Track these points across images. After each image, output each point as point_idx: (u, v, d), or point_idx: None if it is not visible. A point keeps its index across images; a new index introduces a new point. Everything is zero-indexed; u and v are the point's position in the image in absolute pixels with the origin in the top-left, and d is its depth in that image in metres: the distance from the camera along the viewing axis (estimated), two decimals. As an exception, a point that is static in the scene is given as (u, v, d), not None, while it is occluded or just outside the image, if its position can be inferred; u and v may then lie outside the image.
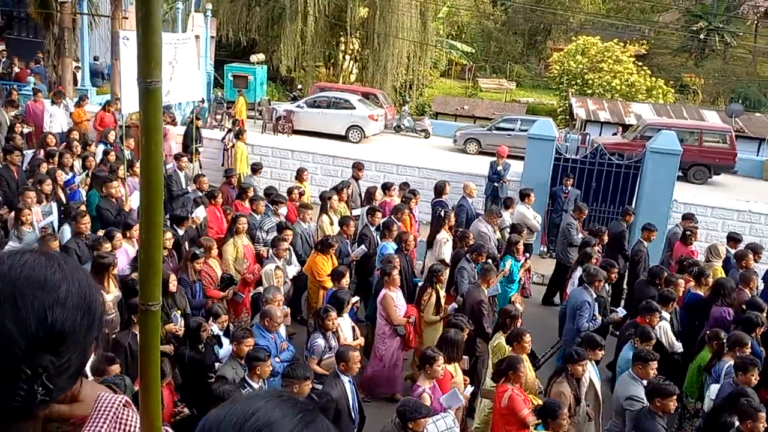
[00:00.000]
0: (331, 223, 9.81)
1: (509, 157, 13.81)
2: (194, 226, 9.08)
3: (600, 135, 23.88)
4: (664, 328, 7.18)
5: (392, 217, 9.65)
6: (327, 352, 6.51)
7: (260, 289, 7.69)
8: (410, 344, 7.72)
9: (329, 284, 8.00)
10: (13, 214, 8.16)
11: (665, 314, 7.31)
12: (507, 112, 28.43)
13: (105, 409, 1.28)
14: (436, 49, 34.64)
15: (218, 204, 9.71)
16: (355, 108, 20.89)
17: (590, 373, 6.15)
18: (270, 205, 9.87)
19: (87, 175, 10.43)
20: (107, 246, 7.27)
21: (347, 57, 31.77)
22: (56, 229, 8.83)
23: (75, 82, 19.48)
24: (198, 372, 6.12)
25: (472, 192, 11.43)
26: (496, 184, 13.16)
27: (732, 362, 6.24)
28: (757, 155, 23.49)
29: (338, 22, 29.31)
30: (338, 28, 29.84)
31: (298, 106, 21.24)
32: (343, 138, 20.07)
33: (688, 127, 20.11)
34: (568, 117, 29.59)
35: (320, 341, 6.48)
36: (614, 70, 31.06)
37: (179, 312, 6.89)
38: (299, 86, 28.90)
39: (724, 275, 8.72)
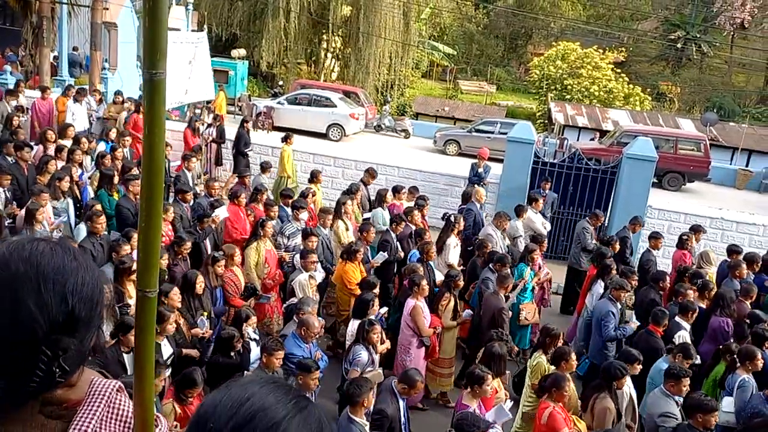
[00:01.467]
0: (347, 229, 9.63)
1: (490, 159, 13.92)
2: (213, 226, 8.89)
3: (578, 140, 24.15)
4: (683, 336, 7.11)
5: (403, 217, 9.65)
6: (369, 365, 6.38)
7: (293, 299, 7.48)
8: (434, 354, 7.58)
9: (357, 291, 7.88)
10: (23, 212, 7.93)
11: (685, 324, 7.25)
12: (487, 114, 28.64)
13: (99, 393, 1.30)
14: (418, 50, 34.76)
15: (241, 204, 9.43)
16: (336, 106, 20.87)
17: (629, 387, 6.08)
18: (285, 207, 9.67)
19: (97, 172, 10.18)
20: (126, 248, 7.06)
21: (329, 55, 31.74)
22: (72, 226, 8.69)
23: (53, 73, 19.20)
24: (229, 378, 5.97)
25: (481, 198, 11.33)
26: (476, 185, 13.26)
27: (745, 376, 6.26)
28: (731, 164, 23.93)
29: (321, 19, 29.27)
30: (321, 26, 29.80)
31: (278, 103, 21.16)
32: (323, 136, 20.05)
33: (663, 135, 20.42)
34: (546, 121, 29.87)
35: (364, 354, 6.27)
36: (593, 77, 31.42)
37: (205, 314, 6.71)
38: (280, 83, 28.79)
39: (714, 281, 8.86)
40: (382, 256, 8.85)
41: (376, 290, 7.39)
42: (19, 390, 1.18)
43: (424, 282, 7.50)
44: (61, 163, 9.89)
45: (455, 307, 7.76)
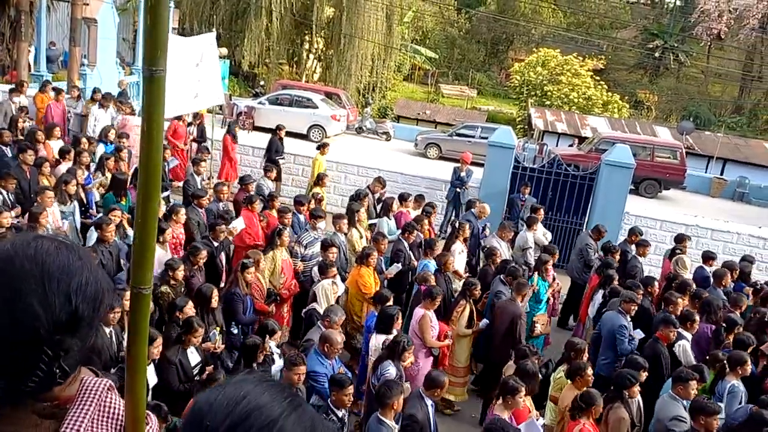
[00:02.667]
0: (360, 237, 9.51)
1: (470, 163, 14.01)
2: (231, 238, 8.63)
3: (557, 146, 24.38)
4: (683, 346, 7.14)
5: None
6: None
7: (314, 305, 7.30)
8: (443, 363, 7.49)
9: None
10: (27, 216, 7.75)
11: (687, 334, 7.28)
12: (468, 118, 28.76)
13: (90, 392, 1.30)
14: (401, 53, 34.85)
15: (255, 209, 9.26)
16: (317, 107, 20.85)
17: (639, 397, 6.11)
18: (298, 214, 9.53)
19: (104, 176, 9.94)
20: None
21: (311, 56, 31.69)
22: (77, 229, 8.54)
23: (29, 67, 18.95)
24: None
25: (485, 213, 11.10)
26: (458, 189, 13.33)
27: (735, 381, 6.34)
28: (706, 172, 24.32)
29: (304, 20, 29.22)
30: (303, 27, 29.74)
31: (259, 103, 21.08)
32: (304, 137, 20.01)
33: (641, 142, 20.68)
34: (526, 126, 30.10)
35: (392, 369, 6.06)
36: (572, 83, 31.75)
37: (218, 329, 6.58)
38: (261, 83, 28.68)
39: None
40: (396, 267, 8.71)
41: (390, 304, 7.17)
42: (17, 390, 1.17)
43: (440, 297, 7.35)
44: (65, 166, 9.65)
45: (471, 315, 7.64)
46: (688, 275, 9.60)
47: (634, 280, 8.69)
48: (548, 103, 31.23)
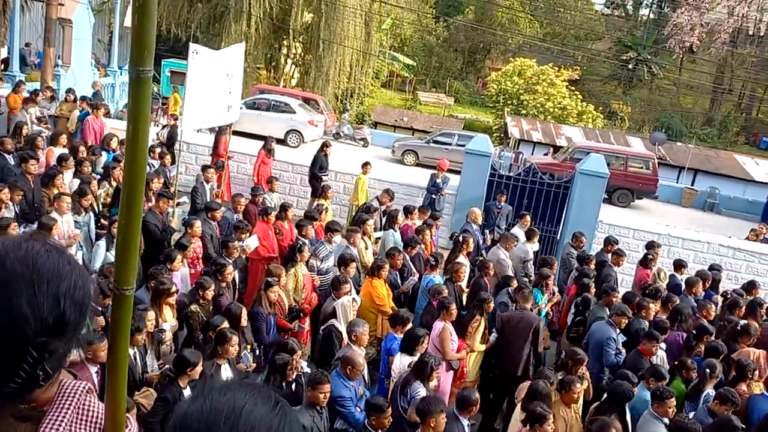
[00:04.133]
0: (366, 248, 9.34)
1: (447, 170, 14.08)
2: (243, 257, 8.36)
3: (532, 154, 24.64)
4: (662, 357, 7.17)
5: (415, 237, 9.48)
6: None
7: (333, 321, 7.08)
8: (462, 377, 7.36)
9: (389, 310, 7.67)
10: (35, 225, 7.51)
11: (662, 344, 7.31)
12: (445, 126, 28.96)
13: (69, 394, 1.28)
14: (379, 60, 34.95)
15: (270, 221, 9.02)
16: (295, 112, 20.81)
17: (627, 409, 6.10)
18: (309, 222, 9.29)
19: (109, 185, 9.66)
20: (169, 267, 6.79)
21: (289, 61, 31.61)
22: (92, 240, 8.31)
23: (5, 67, 18.65)
24: None
25: (477, 218, 11.09)
26: (434, 196, 13.38)
27: (710, 390, 6.39)
28: (677, 182, 24.76)
29: (282, 25, 29.16)
30: (282, 32, 29.67)
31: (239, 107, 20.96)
32: (282, 142, 19.94)
33: (614, 152, 20.99)
34: (503, 135, 30.37)
35: (422, 391, 5.92)
36: (548, 93, 32.14)
37: (249, 347, 6.40)
38: (238, 87, 28.49)
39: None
40: (412, 281, 8.57)
41: (410, 326, 6.99)
42: None
43: (453, 306, 7.25)
44: (67, 174, 9.40)
45: (485, 330, 7.54)
46: (664, 284, 9.73)
47: (605, 286, 8.78)
48: (524, 112, 31.56)
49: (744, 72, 43.17)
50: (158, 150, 11.82)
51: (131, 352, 5.49)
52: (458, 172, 14.07)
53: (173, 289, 6.41)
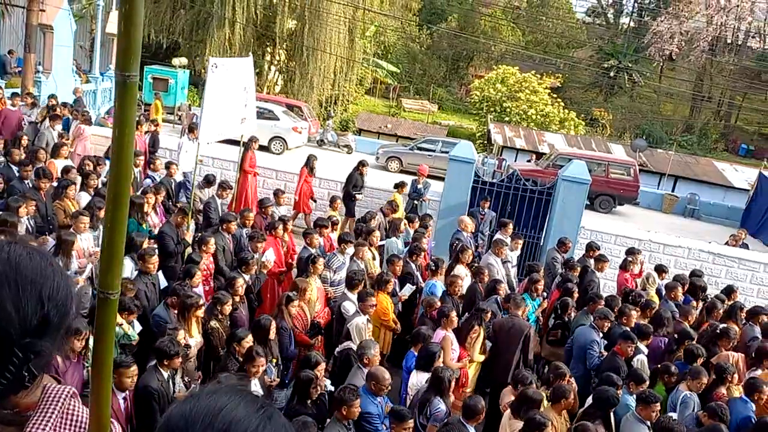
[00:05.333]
0: (373, 258, 9.29)
1: (430, 177, 14.12)
2: (265, 271, 8.22)
3: (515, 161, 24.79)
4: (641, 360, 7.22)
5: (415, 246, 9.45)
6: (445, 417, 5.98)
7: (348, 343, 6.98)
8: (464, 385, 7.34)
9: (392, 324, 7.68)
10: (50, 239, 7.35)
11: (643, 348, 7.39)
12: (428, 133, 29.08)
13: (53, 399, 1.28)
14: (362, 67, 35.04)
15: (278, 235, 9.00)
16: (278, 119, 20.78)
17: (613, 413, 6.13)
18: (319, 238, 9.22)
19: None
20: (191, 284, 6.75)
21: (273, 68, 31.61)
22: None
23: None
24: None
25: (467, 227, 11.04)
26: (416, 201, 13.42)
27: (687, 392, 6.46)
28: (658, 189, 25.01)
29: (266, 32, 29.16)
30: (266, 39, 29.68)
31: (220, 114, 20.89)
32: (265, 149, 19.90)
33: (596, 159, 21.16)
34: (486, 142, 30.53)
35: (443, 407, 5.90)
36: (530, 100, 32.39)
37: (274, 361, 6.30)
38: (222, 93, 28.40)
39: (658, 300, 9.20)
40: (409, 289, 8.51)
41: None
42: None
43: (454, 313, 7.23)
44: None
45: (484, 340, 7.53)
46: (653, 290, 9.83)
47: (591, 293, 8.85)
48: (507, 119, 31.77)
49: (723, 80, 43.82)
50: (141, 157, 11.68)
51: (164, 374, 5.38)
52: (442, 179, 14.13)
53: (201, 301, 6.35)
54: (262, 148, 19.70)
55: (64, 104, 14.66)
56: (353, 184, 13.46)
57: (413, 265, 9.06)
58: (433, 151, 21.56)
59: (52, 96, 15.04)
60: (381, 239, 10.31)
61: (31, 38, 17.52)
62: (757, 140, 43.01)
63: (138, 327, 6.29)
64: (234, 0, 26.78)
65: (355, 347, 6.76)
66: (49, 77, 19.25)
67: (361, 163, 13.68)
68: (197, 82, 29.82)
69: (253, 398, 1.10)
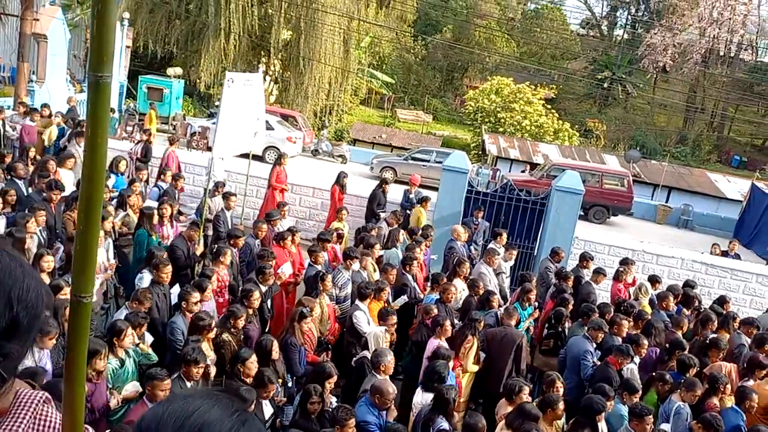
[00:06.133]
0: (375, 270, 9.25)
1: (425, 187, 14.11)
2: (279, 282, 8.11)
3: (510, 171, 24.84)
4: (631, 369, 7.20)
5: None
6: None
7: (366, 353, 6.90)
8: (458, 396, 7.10)
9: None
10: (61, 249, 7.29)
11: (636, 358, 7.37)
12: (423, 143, 29.13)
13: (25, 404, 1.26)
14: (358, 77, 35.14)
15: (286, 246, 8.97)
16: (273, 129, 20.80)
17: (603, 423, 6.11)
18: (321, 248, 9.07)
19: (126, 213, 9.36)
20: (195, 296, 6.61)
21: (268, 78, 31.65)
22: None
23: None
24: None
25: (460, 236, 11.00)
26: (408, 211, 13.41)
27: (681, 403, 6.44)
28: (652, 200, 25.09)
29: (261, 42, 29.23)
30: (261, 49, 29.75)
31: (214, 123, 20.90)
32: (260, 158, 19.90)
33: (590, 169, 21.23)
34: (480, 152, 30.61)
35: (445, 425, 5.86)
36: (525, 111, 32.50)
37: (280, 381, 6.22)
38: (217, 103, 28.44)
39: (650, 310, 9.18)
40: (402, 300, 8.45)
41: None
42: None
43: (448, 323, 7.16)
44: None
45: (477, 350, 7.49)
46: (646, 300, 9.82)
47: (585, 306, 8.80)
48: (501, 129, 31.87)
49: (716, 92, 44.11)
50: (123, 163, 11.56)
51: (188, 384, 5.31)
52: (436, 189, 14.13)
53: (213, 323, 6.30)
54: (255, 157, 19.72)
55: (58, 113, 14.64)
56: (377, 202, 13.33)
57: (409, 276, 9.01)
58: (428, 161, 21.61)
59: (45, 105, 15.01)
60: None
61: (24, 47, 17.53)
62: (749, 152, 43.26)
63: (149, 338, 6.26)
64: (229, 11, 26.87)
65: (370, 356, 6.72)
66: (43, 86, 19.24)
67: (384, 181, 13.57)
68: (192, 92, 29.90)
69: (228, 402, 1.09)
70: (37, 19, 18.17)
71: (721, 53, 40.99)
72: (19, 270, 1.20)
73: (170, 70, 25.97)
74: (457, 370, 7.27)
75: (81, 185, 1.24)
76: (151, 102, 22.85)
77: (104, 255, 7.76)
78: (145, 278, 7.24)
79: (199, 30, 28.43)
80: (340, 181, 13.25)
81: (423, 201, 12.87)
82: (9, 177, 9.63)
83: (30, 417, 1.26)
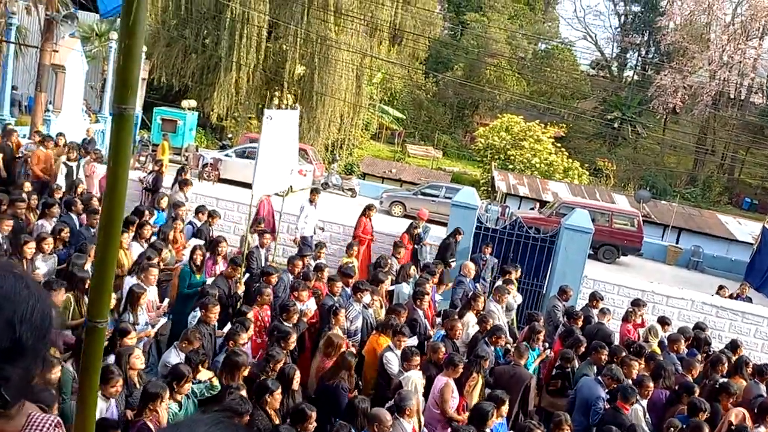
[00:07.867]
0: (381, 306, 9.24)
1: (433, 222, 14.11)
2: (305, 320, 8.10)
3: (519, 208, 24.84)
4: (635, 411, 7.13)
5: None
6: None
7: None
8: None
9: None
10: (116, 291, 7.28)
11: (642, 400, 7.30)
12: (432, 178, 29.23)
13: (37, 427, 1.27)
14: (369, 112, 35.50)
15: (311, 285, 8.89)
16: (284, 162, 20.94)
17: None
18: (345, 288, 9.07)
19: (168, 250, 9.29)
20: (244, 337, 6.70)
21: (280, 111, 32.06)
22: None
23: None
24: None
25: (470, 272, 11.03)
26: (416, 246, 13.40)
27: None
28: (662, 240, 24.98)
29: (275, 76, 29.66)
30: (274, 83, 30.17)
31: (226, 155, 21.12)
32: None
33: (599, 209, 21.19)
34: (489, 189, 30.65)
35: None
36: (534, 149, 32.61)
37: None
38: (229, 135, 28.80)
39: (660, 352, 9.08)
40: (413, 341, 8.27)
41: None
42: None
43: (462, 366, 7.14)
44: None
45: (483, 387, 7.43)
46: (656, 342, 9.70)
47: (596, 344, 8.68)
48: (511, 166, 31.95)
49: (726, 134, 44.16)
50: (165, 200, 11.71)
51: None
52: (445, 224, 14.14)
53: (249, 361, 6.30)
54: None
55: (73, 143, 14.79)
56: (450, 252, 13.08)
57: (420, 312, 8.94)
58: (437, 196, 21.67)
59: (60, 134, 15.21)
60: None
61: (42, 78, 17.85)
62: (760, 194, 43.10)
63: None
64: (244, 45, 27.34)
65: None
66: (59, 116, 19.54)
67: (457, 231, 13.15)
68: (205, 124, 30.26)
69: (233, 428, 1.10)
70: (57, 51, 18.53)
71: (732, 96, 41.20)
72: (25, 291, 1.19)
73: (185, 102, 26.32)
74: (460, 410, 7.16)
75: (101, 213, 1.27)
76: (164, 133, 23.12)
77: (154, 294, 7.75)
78: (197, 317, 7.26)
79: (215, 64, 28.91)
80: (410, 230, 13.22)
81: (455, 234, 12.86)
82: (66, 212, 9.73)
83: None
